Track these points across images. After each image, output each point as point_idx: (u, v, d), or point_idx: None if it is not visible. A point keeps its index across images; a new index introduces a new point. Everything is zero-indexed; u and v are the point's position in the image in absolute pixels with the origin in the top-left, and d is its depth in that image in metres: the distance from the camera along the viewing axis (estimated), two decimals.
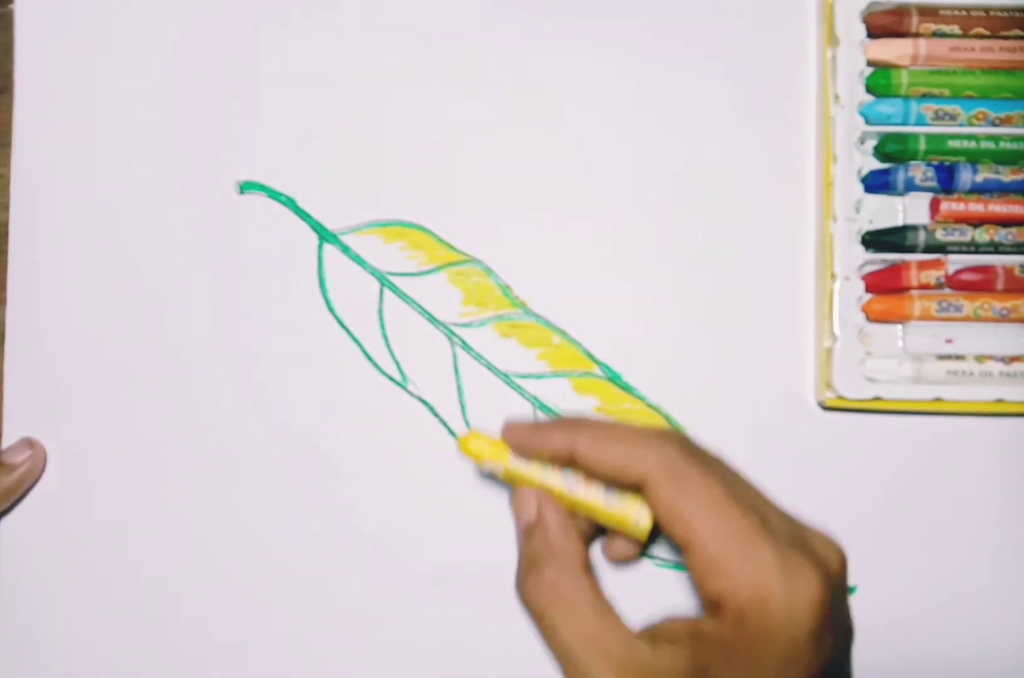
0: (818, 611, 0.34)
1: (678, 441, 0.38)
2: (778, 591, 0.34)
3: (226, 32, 0.47)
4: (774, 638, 0.34)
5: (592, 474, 0.38)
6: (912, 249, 0.45)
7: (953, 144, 0.45)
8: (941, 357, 0.45)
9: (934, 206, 0.45)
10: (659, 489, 0.36)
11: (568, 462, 0.39)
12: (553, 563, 0.39)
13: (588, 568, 0.39)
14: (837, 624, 0.35)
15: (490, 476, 0.44)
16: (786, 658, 0.34)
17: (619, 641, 0.37)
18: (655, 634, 0.37)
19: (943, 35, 0.46)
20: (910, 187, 0.45)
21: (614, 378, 0.46)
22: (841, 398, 0.45)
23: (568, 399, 0.46)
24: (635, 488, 0.37)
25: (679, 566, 0.45)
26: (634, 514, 0.38)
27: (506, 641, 0.45)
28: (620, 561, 0.43)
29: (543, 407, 0.46)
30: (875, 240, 0.45)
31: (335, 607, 0.46)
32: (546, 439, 0.39)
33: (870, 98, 0.45)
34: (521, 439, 0.40)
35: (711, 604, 0.35)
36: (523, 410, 0.46)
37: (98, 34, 0.47)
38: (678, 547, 0.36)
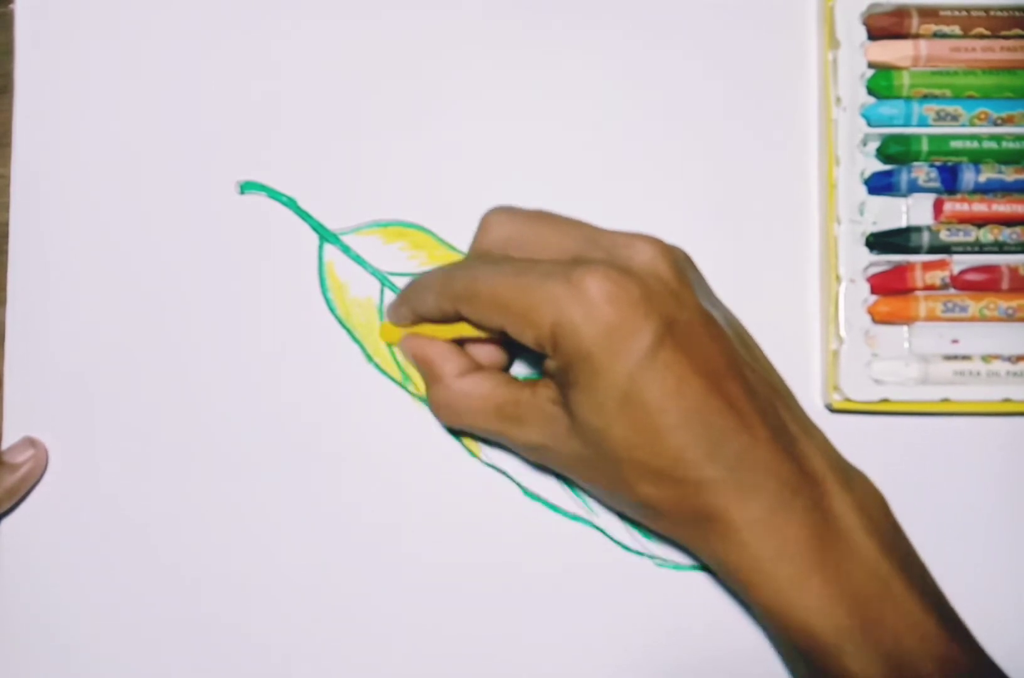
0: (607, 306, 0.36)
1: (474, 259, 0.41)
2: (563, 310, 0.37)
3: (226, 32, 0.47)
4: (581, 347, 0.37)
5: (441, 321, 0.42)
6: (916, 250, 0.45)
7: (955, 144, 0.45)
8: (947, 358, 0.44)
9: (938, 207, 0.45)
10: (464, 309, 0.40)
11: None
12: (433, 386, 0.43)
13: (463, 371, 0.42)
14: (654, 308, 0.37)
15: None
16: (602, 358, 0.37)
17: (509, 400, 0.41)
18: (535, 381, 0.41)
19: (943, 36, 0.46)
20: (913, 188, 0.45)
21: None
22: (848, 400, 0.44)
23: None
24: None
25: (679, 566, 0.45)
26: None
27: (510, 635, 0.45)
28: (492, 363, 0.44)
29: None
30: (879, 242, 0.45)
31: (336, 605, 0.45)
32: (398, 316, 0.44)
33: (872, 100, 0.45)
34: (392, 320, 0.45)
35: (539, 349, 0.39)
36: None
37: (98, 34, 0.47)
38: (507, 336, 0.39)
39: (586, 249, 0.39)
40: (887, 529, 0.39)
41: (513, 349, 0.44)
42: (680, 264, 0.39)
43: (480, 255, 0.41)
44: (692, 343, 0.37)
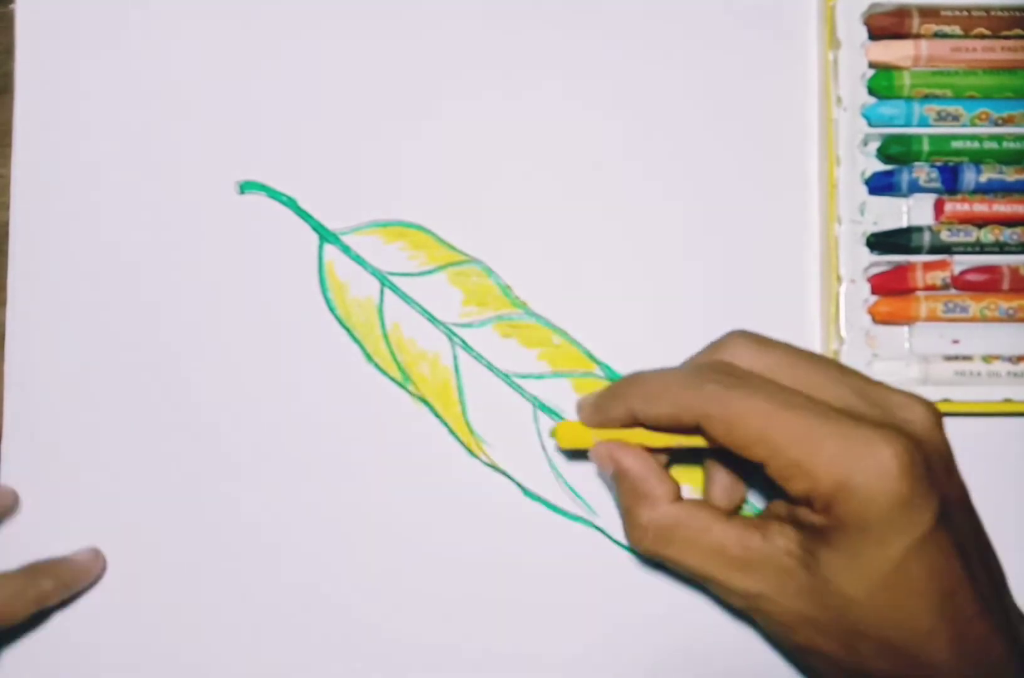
0: (901, 479, 0.34)
1: (719, 371, 0.38)
2: (852, 473, 0.34)
3: (226, 33, 0.47)
4: (864, 516, 0.35)
5: (660, 429, 0.39)
6: (917, 250, 0.45)
7: (956, 145, 0.45)
8: (948, 358, 0.44)
9: (938, 207, 0.45)
10: (713, 429, 0.37)
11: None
12: (642, 506, 0.39)
13: (676, 496, 0.39)
14: (936, 482, 0.35)
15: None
16: (882, 531, 0.35)
17: (733, 542, 0.38)
18: (763, 521, 0.38)
19: (944, 36, 0.46)
20: (914, 188, 0.45)
21: (614, 378, 0.46)
22: None
23: (569, 399, 0.46)
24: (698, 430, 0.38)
25: None
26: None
27: (509, 635, 0.45)
28: (732, 504, 0.42)
29: (543, 407, 0.46)
30: (880, 242, 0.45)
31: (335, 605, 0.45)
32: (608, 415, 0.40)
33: (872, 100, 0.45)
34: (591, 419, 0.41)
35: (801, 501, 0.36)
36: (523, 411, 0.46)
37: (98, 34, 0.47)
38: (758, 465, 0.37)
39: (858, 403, 0.37)
40: None
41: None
42: (946, 432, 0.37)
43: (722, 369, 0.38)
44: (957, 521, 0.36)
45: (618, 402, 0.40)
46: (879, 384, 0.38)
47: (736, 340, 0.39)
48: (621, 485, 0.40)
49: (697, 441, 0.38)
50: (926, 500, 0.35)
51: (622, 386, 0.40)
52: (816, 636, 0.37)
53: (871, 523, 0.35)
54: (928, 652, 0.36)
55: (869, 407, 0.37)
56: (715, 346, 0.39)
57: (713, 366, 0.39)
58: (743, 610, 0.39)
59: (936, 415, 0.37)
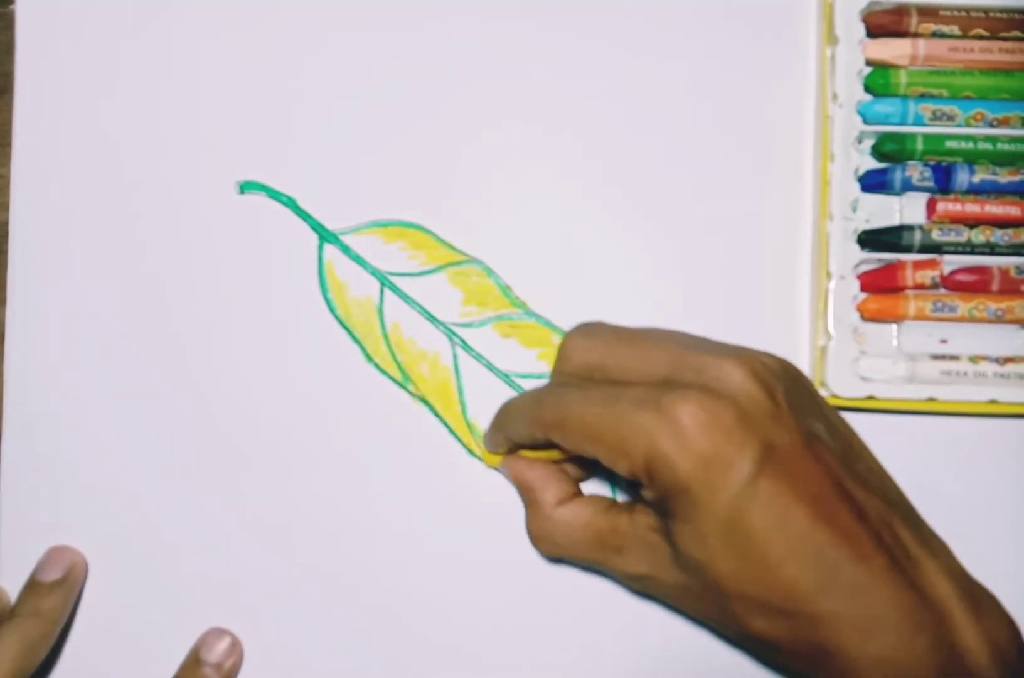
0: (701, 437, 0.35)
1: (556, 383, 0.40)
2: (655, 442, 0.35)
3: (227, 33, 0.47)
4: (677, 481, 0.35)
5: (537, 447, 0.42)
6: (908, 249, 0.45)
7: (951, 144, 0.45)
8: (935, 357, 0.45)
9: (931, 206, 0.46)
10: (556, 438, 0.39)
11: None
12: (530, 514, 0.42)
13: (563, 499, 0.41)
14: (752, 432, 0.35)
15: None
16: (700, 491, 0.35)
17: (607, 529, 0.40)
18: (632, 504, 0.40)
19: (942, 35, 0.46)
20: (907, 187, 0.46)
21: None
22: (835, 396, 0.45)
23: None
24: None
25: None
26: None
27: (511, 635, 0.46)
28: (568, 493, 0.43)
29: None
30: (871, 239, 0.45)
31: (334, 605, 0.46)
32: (495, 445, 0.43)
33: (868, 97, 0.45)
34: (489, 450, 0.44)
35: (634, 479, 0.37)
36: None
37: (98, 34, 0.47)
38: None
39: (674, 372, 0.37)
40: (1013, 659, 0.36)
41: None
42: (772, 383, 0.37)
43: (565, 379, 0.40)
44: (793, 468, 0.35)
45: (496, 431, 0.43)
46: (697, 351, 0.38)
47: (568, 342, 0.40)
48: (520, 495, 0.43)
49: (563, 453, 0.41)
50: (739, 451, 0.35)
51: (496, 417, 0.43)
52: (699, 605, 0.38)
53: (688, 485, 0.35)
54: (799, 602, 0.35)
55: (685, 374, 0.37)
56: (558, 356, 0.40)
57: (556, 378, 0.41)
58: (642, 593, 0.41)
59: (747, 367, 0.37)
